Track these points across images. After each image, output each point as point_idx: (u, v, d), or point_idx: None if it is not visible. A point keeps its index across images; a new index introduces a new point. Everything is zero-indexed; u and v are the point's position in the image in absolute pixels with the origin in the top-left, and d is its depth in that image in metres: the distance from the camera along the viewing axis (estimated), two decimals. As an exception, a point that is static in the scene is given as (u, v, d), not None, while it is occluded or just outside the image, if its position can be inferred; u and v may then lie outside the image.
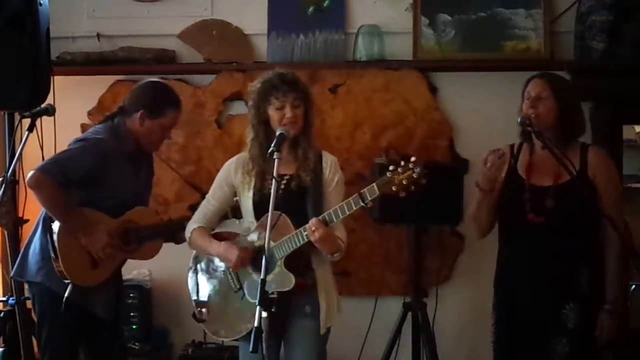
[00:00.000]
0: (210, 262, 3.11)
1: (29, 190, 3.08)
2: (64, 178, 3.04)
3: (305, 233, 2.80)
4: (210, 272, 3.12)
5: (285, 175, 2.97)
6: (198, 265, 3.15)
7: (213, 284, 3.10)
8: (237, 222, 3.13)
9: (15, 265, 3.29)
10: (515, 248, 3.10)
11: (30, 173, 3.03)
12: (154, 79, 3.39)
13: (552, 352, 2.99)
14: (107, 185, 3.16)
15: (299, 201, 2.91)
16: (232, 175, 3.07)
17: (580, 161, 3.02)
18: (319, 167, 2.99)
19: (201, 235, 3.06)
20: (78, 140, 3.19)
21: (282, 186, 2.95)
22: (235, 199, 3.10)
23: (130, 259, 3.31)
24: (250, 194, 2.98)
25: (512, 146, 3.19)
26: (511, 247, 3.13)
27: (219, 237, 3.07)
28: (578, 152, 3.04)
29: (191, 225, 3.10)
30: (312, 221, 2.78)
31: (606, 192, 3.00)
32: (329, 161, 3.02)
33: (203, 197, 3.23)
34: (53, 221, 3.12)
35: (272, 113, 2.95)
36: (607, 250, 3.02)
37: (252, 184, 2.98)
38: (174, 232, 3.33)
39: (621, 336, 3.17)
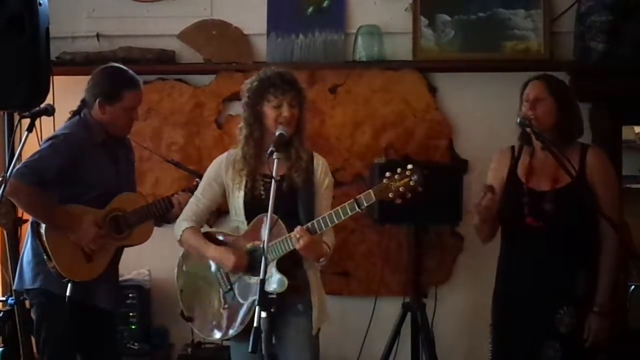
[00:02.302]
0: (199, 261, 3.07)
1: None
2: (39, 179, 3.03)
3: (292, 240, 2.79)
4: (199, 271, 3.08)
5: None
6: (186, 265, 3.13)
7: (202, 283, 3.08)
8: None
9: (16, 278, 3.29)
10: (514, 252, 3.10)
11: None
12: (114, 64, 3.33)
13: (544, 356, 2.98)
14: (86, 177, 3.16)
15: (290, 202, 2.89)
16: (222, 174, 3.03)
17: (580, 162, 3.02)
18: (310, 167, 2.97)
19: (194, 237, 3.02)
20: (47, 140, 3.18)
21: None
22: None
23: (125, 246, 3.29)
24: (242, 194, 2.95)
25: (512, 148, 3.19)
26: (510, 251, 3.12)
27: (207, 237, 3.04)
28: (578, 153, 3.04)
29: (182, 224, 3.05)
30: (297, 229, 2.77)
31: (604, 194, 3.00)
32: (320, 163, 3.01)
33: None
34: (40, 224, 3.11)
35: (268, 111, 2.92)
36: (603, 252, 3.01)
37: (243, 184, 2.95)
38: (162, 211, 3.31)
39: (615, 338, 3.15)
